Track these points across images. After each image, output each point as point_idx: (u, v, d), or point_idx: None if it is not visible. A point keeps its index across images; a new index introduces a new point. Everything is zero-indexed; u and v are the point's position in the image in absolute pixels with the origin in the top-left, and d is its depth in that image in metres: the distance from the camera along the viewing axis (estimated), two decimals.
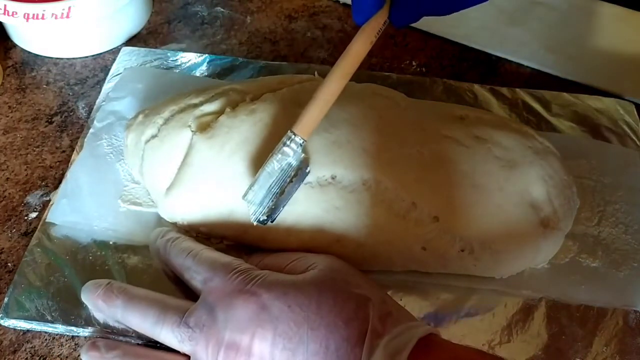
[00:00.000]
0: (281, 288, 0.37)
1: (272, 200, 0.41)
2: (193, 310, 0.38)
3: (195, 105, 0.48)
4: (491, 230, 0.43)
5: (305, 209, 0.43)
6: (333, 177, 0.44)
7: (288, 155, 0.41)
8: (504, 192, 0.44)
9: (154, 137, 0.47)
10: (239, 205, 0.44)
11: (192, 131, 0.46)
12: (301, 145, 0.41)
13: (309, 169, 0.42)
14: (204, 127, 0.46)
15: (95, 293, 0.40)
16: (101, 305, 0.40)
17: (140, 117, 0.49)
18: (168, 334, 0.38)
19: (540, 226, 0.44)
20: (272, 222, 0.42)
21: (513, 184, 0.44)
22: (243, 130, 0.45)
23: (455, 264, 0.44)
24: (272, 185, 0.41)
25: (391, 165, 0.44)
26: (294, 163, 0.41)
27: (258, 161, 0.44)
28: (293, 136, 0.41)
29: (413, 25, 0.65)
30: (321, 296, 0.36)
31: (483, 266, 0.44)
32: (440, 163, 0.44)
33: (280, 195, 0.41)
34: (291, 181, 0.41)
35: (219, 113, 0.47)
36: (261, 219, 0.41)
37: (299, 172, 0.42)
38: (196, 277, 0.40)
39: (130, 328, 0.40)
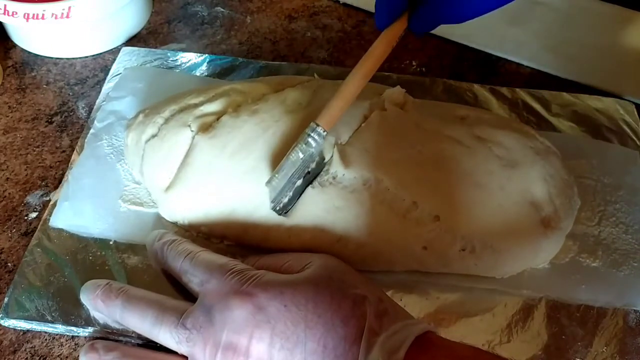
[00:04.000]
0: (277, 287, 0.37)
1: (291, 190, 0.42)
2: (190, 311, 0.38)
3: (196, 105, 0.48)
4: (492, 229, 0.43)
5: (306, 209, 0.43)
6: (334, 177, 0.44)
7: (311, 145, 0.42)
8: (505, 191, 0.44)
9: (154, 136, 0.47)
10: (240, 204, 0.44)
11: (192, 131, 0.46)
12: (323, 136, 0.42)
13: (326, 161, 0.44)
14: (206, 127, 0.46)
15: (94, 293, 0.40)
16: (100, 305, 0.40)
17: (141, 116, 0.49)
18: (166, 335, 0.38)
19: (541, 225, 0.44)
20: (285, 214, 0.43)
21: (514, 183, 0.44)
22: (245, 130, 0.45)
23: (456, 263, 0.44)
24: (293, 175, 0.42)
25: (392, 164, 0.44)
26: (315, 153, 0.43)
27: (260, 161, 0.44)
28: (316, 127, 0.42)
29: None
30: (318, 295, 0.36)
31: (484, 265, 0.44)
32: (441, 162, 0.44)
33: (297, 186, 0.43)
34: (308, 173, 0.43)
35: (220, 113, 0.47)
36: (278, 208, 0.43)
37: (317, 165, 0.44)
38: (193, 280, 0.40)
39: (129, 328, 0.40)
